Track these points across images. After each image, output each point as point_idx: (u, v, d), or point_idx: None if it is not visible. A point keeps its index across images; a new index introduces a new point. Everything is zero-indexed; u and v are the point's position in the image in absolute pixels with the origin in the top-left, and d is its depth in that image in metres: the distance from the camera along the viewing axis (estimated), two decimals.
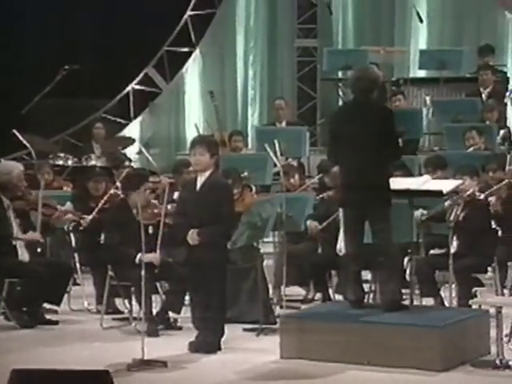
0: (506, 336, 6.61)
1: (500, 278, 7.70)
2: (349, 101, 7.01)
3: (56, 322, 7.69)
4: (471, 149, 9.68)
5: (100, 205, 8.13)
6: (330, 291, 8.15)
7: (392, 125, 6.87)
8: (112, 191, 8.29)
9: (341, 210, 7.33)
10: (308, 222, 8.16)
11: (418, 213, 7.44)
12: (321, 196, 8.50)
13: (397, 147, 7.11)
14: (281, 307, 7.77)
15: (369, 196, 6.66)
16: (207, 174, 6.81)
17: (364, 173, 6.66)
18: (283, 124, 11.13)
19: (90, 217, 8.10)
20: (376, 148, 6.71)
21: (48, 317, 7.73)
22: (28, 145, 10.34)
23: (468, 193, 7.69)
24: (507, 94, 11.19)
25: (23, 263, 7.65)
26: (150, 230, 7.33)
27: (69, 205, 8.35)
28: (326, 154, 7.19)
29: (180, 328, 7.39)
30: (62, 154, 10.54)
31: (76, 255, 8.39)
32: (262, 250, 7.74)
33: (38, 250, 7.93)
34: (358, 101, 6.89)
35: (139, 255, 6.92)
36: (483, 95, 10.99)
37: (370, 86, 6.88)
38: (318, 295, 8.30)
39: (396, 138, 7.09)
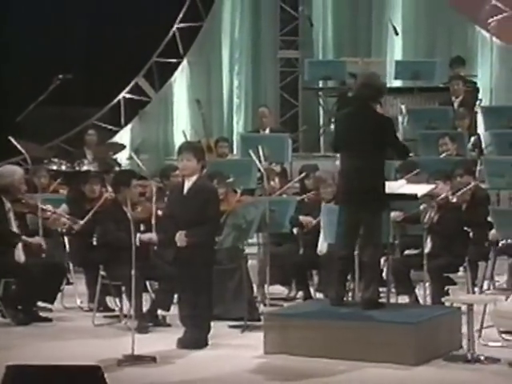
0: (477, 332, 6.63)
1: (471, 277, 7.72)
2: (353, 106, 6.97)
3: (50, 320, 7.67)
4: (444, 154, 9.71)
5: (95, 208, 8.12)
6: (311, 290, 8.16)
7: (394, 131, 6.94)
8: (107, 195, 8.27)
9: (326, 209, 7.33)
10: (301, 217, 8.14)
11: (394, 215, 7.45)
12: (302, 197, 8.51)
13: (403, 148, 7.11)
14: (264, 305, 7.77)
15: (366, 199, 6.65)
16: (194, 178, 6.81)
17: (363, 176, 6.65)
18: (267, 131, 11.14)
19: (83, 221, 8.07)
20: (377, 152, 6.71)
21: (42, 314, 7.71)
22: (23, 151, 10.27)
23: (441, 196, 7.72)
24: (477, 102, 11.24)
25: (19, 264, 7.62)
26: (142, 227, 7.33)
27: (64, 207, 8.34)
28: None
29: (169, 325, 7.37)
30: (55, 160, 10.52)
31: (69, 256, 8.36)
32: (246, 251, 7.75)
33: (43, 255, 7.86)
34: (361, 107, 6.85)
35: (138, 235, 6.86)
36: (455, 104, 11.03)
37: (374, 93, 6.88)
38: (300, 294, 8.31)
39: (400, 142, 7.12)
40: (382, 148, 6.80)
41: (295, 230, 8.29)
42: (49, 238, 8.15)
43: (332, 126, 11.09)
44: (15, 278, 7.62)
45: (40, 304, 7.76)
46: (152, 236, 7.24)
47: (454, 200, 7.84)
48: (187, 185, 6.81)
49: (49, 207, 8.01)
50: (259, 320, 7.22)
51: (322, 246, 7.87)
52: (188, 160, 6.78)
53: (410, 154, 7.92)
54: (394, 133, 6.97)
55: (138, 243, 6.78)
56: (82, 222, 8.05)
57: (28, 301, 7.63)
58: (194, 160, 6.78)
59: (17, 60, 12.49)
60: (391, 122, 7.04)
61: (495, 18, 11.98)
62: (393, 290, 7.46)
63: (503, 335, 6.74)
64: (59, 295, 7.91)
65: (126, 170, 8.31)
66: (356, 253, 6.94)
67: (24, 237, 7.65)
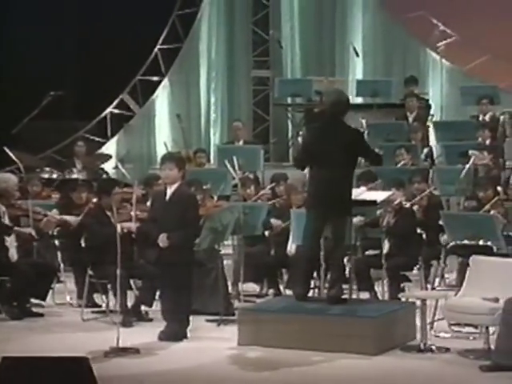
0: (429, 324, 6.66)
1: (424, 275, 7.75)
2: (324, 121, 6.95)
3: (42, 315, 7.61)
4: (400, 164, 9.76)
5: (85, 211, 8.08)
6: (281, 287, 8.14)
7: (364, 142, 6.94)
8: (94, 200, 8.22)
9: (296, 214, 7.32)
10: (272, 221, 8.13)
11: (356, 220, 7.46)
12: (273, 202, 8.51)
13: (377, 156, 7.10)
14: (239, 301, 7.73)
15: (336, 206, 6.65)
16: (175, 186, 6.79)
17: (334, 185, 6.63)
18: (241, 143, 11.12)
19: (79, 218, 8.03)
20: (346, 164, 6.70)
21: (35, 310, 7.65)
22: (17, 160, 10.24)
23: (397, 202, 7.74)
24: (429, 118, 11.31)
25: (13, 263, 7.56)
26: (125, 230, 7.28)
27: (55, 211, 8.29)
28: (294, 162, 7.12)
29: (151, 320, 7.32)
30: (47, 169, 10.47)
31: (60, 256, 8.32)
32: (222, 252, 7.73)
33: (34, 243, 7.83)
34: (332, 122, 6.84)
35: (119, 225, 6.79)
36: (409, 119, 11.09)
37: (343, 109, 6.87)
38: (271, 291, 8.29)
39: (372, 150, 7.09)
40: (352, 159, 6.79)
41: (267, 233, 8.27)
42: (41, 240, 8.11)
43: (299, 139, 11.14)
44: (9, 276, 7.55)
45: (33, 300, 7.71)
46: (131, 225, 7.20)
47: (408, 205, 7.87)
48: (169, 192, 6.79)
49: (40, 210, 7.98)
50: (234, 314, 7.19)
51: (291, 248, 7.87)
52: (170, 169, 6.77)
53: (362, 166, 7.92)
54: (364, 143, 6.95)
55: (119, 230, 6.72)
56: (78, 219, 8.00)
57: (21, 297, 7.57)
58: (176, 169, 6.76)
59: (12, 77, 12.42)
60: (360, 133, 7.07)
61: (444, 42, 12.11)
62: (355, 287, 7.46)
63: (452, 327, 6.77)
64: (50, 292, 7.86)
65: (109, 179, 8.27)
66: (322, 253, 6.93)
67: (16, 227, 7.59)
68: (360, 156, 6.97)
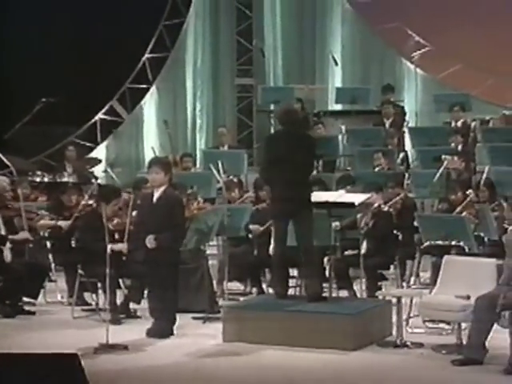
0: (405, 321, 6.68)
1: (400, 273, 7.78)
2: (279, 129, 7.01)
3: (34, 313, 7.57)
4: (377, 168, 9.78)
5: (75, 214, 8.05)
6: (264, 286, 8.14)
7: (314, 149, 6.94)
8: (84, 202, 8.21)
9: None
10: (251, 226, 8.14)
11: (334, 224, 7.44)
12: (256, 207, 8.51)
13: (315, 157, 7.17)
14: (223, 299, 7.74)
15: (295, 208, 6.66)
16: (162, 189, 6.77)
17: (292, 189, 6.65)
18: (225, 148, 11.12)
19: (70, 222, 8.01)
20: (301, 168, 6.72)
21: (27, 308, 7.61)
22: (10, 164, 10.20)
23: (375, 205, 7.76)
24: (405, 124, 11.35)
25: (6, 264, 7.51)
26: (117, 236, 7.25)
27: (44, 213, 8.26)
28: (259, 173, 7.18)
29: (139, 317, 7.30)
30: (39, 172, 10.43)
31: (51, 256, 8.27)
32: (207, 252, 7.73)
33: (30, 245, 7.80)
34: (287, 130, 6.89)
35: (109, 246, 6.78)
36: (386, 125, 11.13)
37: (294, 118, 6.91)
38: (254, 289, 8.28)
39: (312, 158, 7.09)
40: (308, 163, 6.80)
41: (250, 234, 8.27)
42: (33, 241, 8.08)
43: None
44: (2, 276, 7.51)
45: (25, 299, 7.67)
46: (123, 246, 7.14)
47: (386, 208, 7.90)
48: (156, 195, 6.77)
49: (32, 209, 7.96)
50: (219, 312, 7.18)
51: (274, 248, 7.86)
52: (156, 173, 6.75)
53: (341, 170, 7.90)
54: (314, 152, 6.96)
55: (109, 251, 6.68)
56: (68, 222, 7.95)
57: (14, 296, 7.54)
58: (162, 173, 6.75)
59: (4, 84, 12.37)
60: (314, 141, 7.09)
61: (418, 52, 12.17)
62: (334, 285, 7.48)
63: (427, 323, 6.80)
64: (42, 291, 7.83)
65: (111, 188, 8.18)
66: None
67: (10, 236, 7.55)
68: (307, 162, 6.88)
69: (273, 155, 6.83)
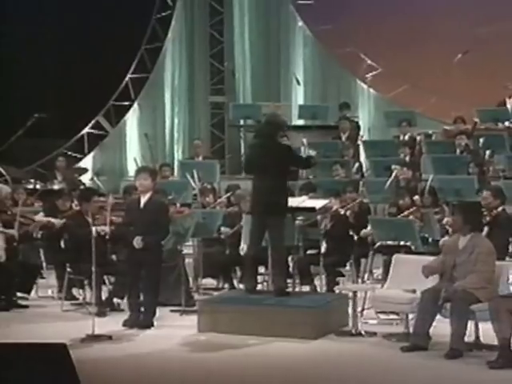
0: (359, 312, 6.70)
1: (355, 270, 7.80)
2: (260, 139, 6.95)
3: (27, 306, 7.49)
4: (336, 177, 9.82)
5: (67, 215, 7.99)
6: (235, 282, 8.12)
7: (294, 155, 6.92)
8: (77, 208, 8.16)
9: (246, 218, 7.32)
10: (222, 229, 8.13)
11: (297, 222, 7.45)
12: (228, 210, 8.49)
13: (305, 161, 7.08)
14: (198, 294, 7.71)
15: (271, 210, 6.64)
16: (148, 195, 6.75)
17: (270, 193, 6.63)
18: (200, 158, 11.09)
19: (62, 221, 7.93)
20: (279, 174, 6.71)
21: (20, 302, 7.52)
22: (5, 173, 10.10)
23: (333, 209, 7.79)
24: (359, 137, 11.43)
25: (1, 262, 7.43)
26: (102, 232, 7.18)
27: (41, 214, 8.21)
28: (244, 169, 7.09)
29: (122, 310, 7.23)
30: (32, 180, 10.35)
31: (42, 256, 8.19)
32: (184, 251, 7.68)
33: (20, 245, 7.73)
34: (266, 140, 6.83)
35: (94, 228, 6.64)
36: (343, 138, 11.17)
37: (275, 129, 6.87)
38: (226, 285, 8.26)
39: (301, 157, 7.07)
40: (284, 171, 6.79)
41: (222, 235, 8.25)
42: (26, 242, 8.01)
43: None
44: None
45: (19, 294, 7.58)
46: (105, 228, 7.11)
47: (342, 212, 7.93)
48: (143, 200, 6.75)
49: (28, 215, 7.90)
50: (194, 306, 7.14)
51: (243, 248, 7.85)
52: (144, 179, 6.74)
53: (303, 178, 7.93)
54: (293, 155, 6.89)
55: (94, 233, 6.60)
56: (61, 222, 7.88)
57: (9, 291, 7.46)
58: (149, 179, 6.75)
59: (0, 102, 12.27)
60: (290, 148, 7.04)
61: (370, 74, 12.27)
62: (297, 281, 7.48)
63: (379, 315, 6.82)
64: (34, 287, 7.75)
65: (89, 188, 8.15)
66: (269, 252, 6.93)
67: (1, 228, 7.48)
68: (292, 166, 6.90)
69: (254, 161, 6.77)
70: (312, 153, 7.22)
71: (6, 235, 7.54)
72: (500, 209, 7.44)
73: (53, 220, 7.99)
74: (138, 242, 6.60)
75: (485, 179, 9.23)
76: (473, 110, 10.86)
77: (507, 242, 7.59)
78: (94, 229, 6.56)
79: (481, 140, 10.18)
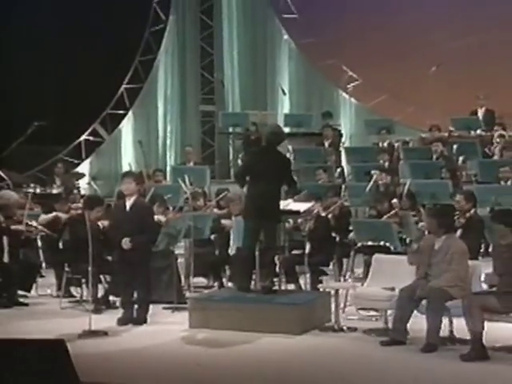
0: (341, 309, 6.72)
1: (338, 269, 7.82)
2: (262, 146, 6.93)
3: (27, 304, 7.46)
4: (319, 181, 9.84)
5: (69, 217, 7.97)
6: (224, 280, 8.12)
7: (290, 170, 6.94)
8: (73, 212, 8.14)
9: (235, 221, 7.33)
10: (222, 221, 8.08)
11: (287, 225, 7.44)
12: (218, 213, 8.49)
13: (294, 185, 7.08)
14: (189, 292, 7.70)
15: (267, 215, 6.63)
16: (133, 198, 6.73)
17: (267, 198, 6.63)
18: (191, 164, 11.07)
19: (68, 215, 7.92)
20: (276, 181, 6.71)
21: (21, 300, 7.49)
22: (7, 178, 10.06)
23: (316, 212, 7.80)
24: (341, 144, 11.46)
25: (4, 263, 7.42)
26: (101, 237, 7.17)
27: (43, 216, 8.16)
28: (235, 178, 7.09)
29: (117, 307, 7.21)
30: (32, 185, 10.31)
31: (42, 256, 8.18)
32: (176, 252, 7.68)
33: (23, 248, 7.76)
34: (269, 148, 6.84)
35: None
36: (326, 145, 11.19)
37: (279, 139, 6.90)
38: (216, 283, 8.25)
39: (293, 178, 7.03)
40: (281, 179, 6.80)
41: (212, 236, 8.25)
42: (27, 245, 7.99)
43: (239, 161, 11.15)
44: (0, 273, 7.38)
45: (20, 292, 7.55)
46: (20, 227, 7.12)
47: (324, 214, 7.95)
48: (128, 203, 6.73)
49: (33, 223, 7.87)
50: (186, 303, 7.14)
51: (232, 248, 7.86)
52: (129, 183, 6.73)
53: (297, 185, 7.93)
54: (290, 171, 6.94)
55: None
56: (62, 215, 7.87)
57: (10, 290, 7.42)
58: (134, 183, 6.75)
59: (1, 110, 12.21)
60: (290, 162, 7.09)
61: (351, 84, 12.31)
62: (283, 280, 7.49)
63: (359, 311, 6.83)
64: (34, 285, 7.73)
65: (95, 196, 8.10)
66: (257, 253, 6.93)
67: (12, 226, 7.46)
68: (284, 181, 6.84)
69: (254, 168, 6.75)
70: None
71: (14, 233, 7.48)
72: (472, 211, 7.50)
73: (59, 214, 7.95)
74: (126, 243, 6.58)
75: (458, 184, 9.29)
76: (447, 119, 10.94)
77: (479, 242, 7.66)
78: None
79: (454, 147, 10.26)
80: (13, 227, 7.55)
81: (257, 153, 7.08)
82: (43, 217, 8.00)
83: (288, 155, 10.92)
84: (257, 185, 6.73)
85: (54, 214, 8.00)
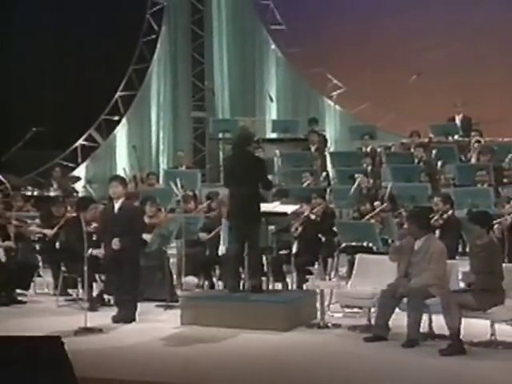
0: (326, 307, 6.72)
1: (323, 269, 7.81)
2: (234, 151, 6.91)
3: (25, 302, 7.42)
4: (305, 184, 9.86)
5: (61, 222, 7.92)
6: (214, 280, 8.10)
7: (263, 168, 6.83)
8: (69, 215, 8.10)
9: (225, 222, 7.33)
10: (200, 234, 8.11)
11: (270, 228, 7.44)
12: (207, 215, 8.48)
13: (268, 183, 6.98)
14: (181, 290, 7.67)
15: (246, 216, 6.61)
16: (121, 201, 6.70)
17: (244, 199, 6.61)
18: (183, 168, 11.07)
19: (53, 231, 7.88)
20: (253, 183, 6.69)
21: (19, 298, 7.45)
22: (5, 181, 10.01)
23: (305, 214, 7.81)
24: (326, 149, 11.49)
25: (1, 262, 7.37)
26: (94, 238, 7.14)
27: (37, 221, 8.15)
28: (224, 183, 7.07)
29: (112, 305, 7.18)
30: (30, 188, 10.26)
31: (39, 256, 8.13)
32: (168, 252, 7.66)
33: (13, 253, 7.64)
34: (239, 151, 6.81)
35: (90, 250, 6.64)
36: (312, 150, 11.22)
37: (247, 140, 6.86)
38: (206, 282, 8.23)
39: (266, 177, 6.92)
40: (256, 179, 6.73)
41: (201, 235, 8.22)
42: (24, 244, 7.93)
43: None
44: None
45: (18, 290, 7.51)
46: (100, 252, 7.03)
47: (312, 216, 7.95)
48: (116, 206, 6.71)
49: (21, 219, 7.83)
50: (177, 301, 7.12)
51: (222, 249, 7.85)
52: (116, 187, 6.71)
53: (276, 185, 7.92)
54: (263, 170, 6.80)
55: (88, 255, 6.56)
56: (52, 232, 7.82)
57: (8, 288, 7.38)
58: (120, 186, 6.71)
59: (2, 117, 12.15)
60: (263, 162, 7.03)
61: (336, 92, 12.34)
62: (271, 279, 7.48)
63: (344, 309, 6.84)
64: (32, 284, 7.68)
65: (86, 197, 8.08)
66: (245, 254, 6.93)
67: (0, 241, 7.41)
68: (259, 178, 6.72)
69: (230, 171, 6.74)
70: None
71: (4, 248, 7.46)
72: (450, 213, 7.54)
73: (45, 231, 7.93)
74: (115, 243, 6.56)
75: (437, 187, 9.34)
76: (426, 125, 11.00)
77: (457, 242, 7.71)
78: (90, 250, 6.46)
79: (433, 152, 10.33)
80: None
81: (230, 157, 7.07)
82: (31, 228, 7.92)
83: (276, 159, 10.97)
84: (235, 187, 6.70)
85: (39, 230, 7.93)
